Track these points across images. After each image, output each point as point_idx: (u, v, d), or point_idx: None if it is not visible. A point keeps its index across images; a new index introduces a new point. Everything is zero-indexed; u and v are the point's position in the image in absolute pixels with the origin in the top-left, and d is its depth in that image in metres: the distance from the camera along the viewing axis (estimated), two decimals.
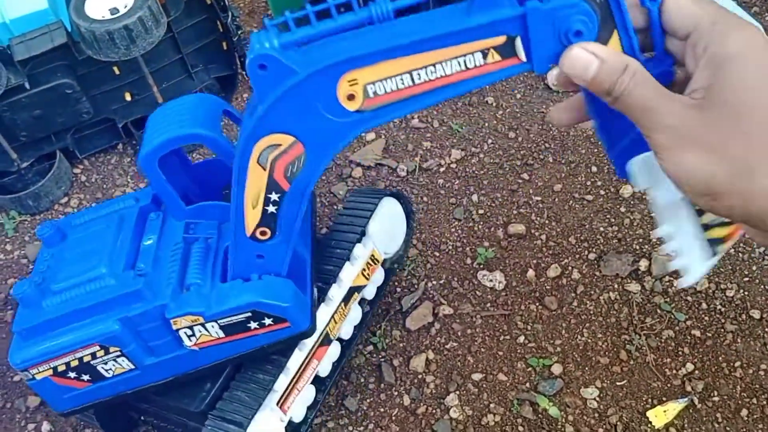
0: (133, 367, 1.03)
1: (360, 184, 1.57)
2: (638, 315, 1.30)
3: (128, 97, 1.60)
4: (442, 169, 1.57)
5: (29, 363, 1.00)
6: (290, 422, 1.14)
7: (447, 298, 1.37)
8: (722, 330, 1.28)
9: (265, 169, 0.81)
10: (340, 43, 0.64)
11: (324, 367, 1.18)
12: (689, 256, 0.68)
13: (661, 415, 1.19)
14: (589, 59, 0.48)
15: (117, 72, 1.53)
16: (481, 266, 1.40)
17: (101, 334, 0.97)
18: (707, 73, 0.44)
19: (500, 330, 1.32)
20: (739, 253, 1.37)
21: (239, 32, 1.64)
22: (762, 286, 1.32)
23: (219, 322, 0.98)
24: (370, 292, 1.28)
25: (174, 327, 0.99)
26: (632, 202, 1.47)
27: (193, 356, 1.04)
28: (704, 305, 1.31)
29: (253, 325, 0.99)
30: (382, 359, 1.31)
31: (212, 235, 1.04)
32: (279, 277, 0.98)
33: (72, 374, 1.02)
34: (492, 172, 1.55)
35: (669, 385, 1.23)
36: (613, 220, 1.44)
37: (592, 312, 1.32)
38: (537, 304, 1.34)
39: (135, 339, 1.00)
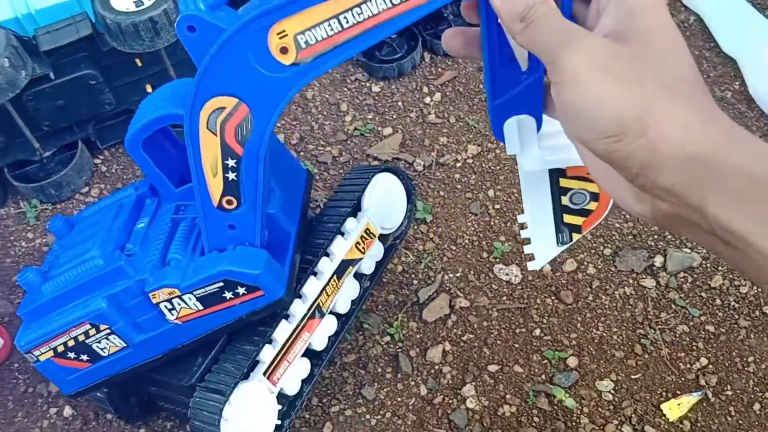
0: (125, 345, 1.06)
1: None
2: (653, 310, 1.32)
3: (149, 89, 1.62)
4: (458, 164, 1.59)
5: (32, 345, 1.04)
6: (284, 395, 1.14)
7: (463, 290, 1.39)
8: (736, 326, 1.30)
9: (216, 134, 0.81)
10: None
11: (319, 341, 1.18)
12: (541, 241, 0.69)
13: (675, 408, 1.21)
14: None
15: (139, 64, 1.55)
16: (497, 260, 1.42)
17: (90, 312, 1.01)
18: (616, 19, 0.43)
19: (516, 323, 1.34)
20: None
21: None
22: None
23: (195, 293, 1.00)
24: (368, 267, 1.27)
25: (154, 301, 1.01)
26: None
27: (178, 331, 1.06)
28: (718, 301, 1.33)
29: (227, 294, 1.01)
30: (399, 350, 1.33)
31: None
32: (252, 246, 0.99)
33: (71, 354, 1.06)
34: (508, 168, 1.57)
35: (683, 378, 1.24)
36: (628, 216, 1.46)
37: (607, 306, 1.34)
38: (553, 297, 1.36)
39: (122, 316, 1.03)
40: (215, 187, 0.89)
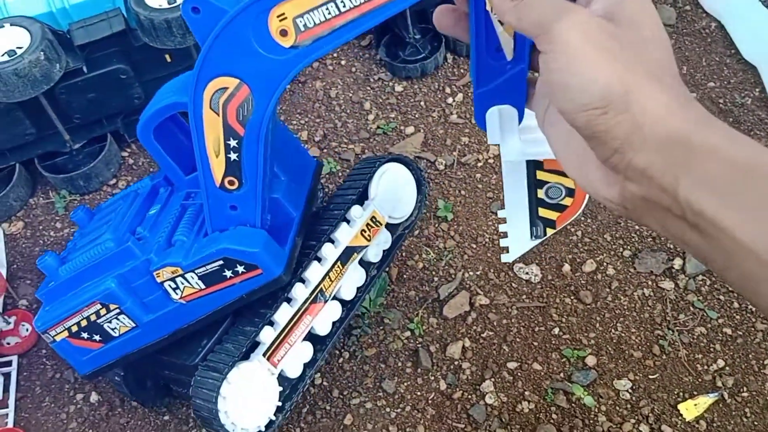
0: (134, 325, 1.10)
1: None
2: (671, 311, 1.34)
3: None
4: (479, 164, 1.61)
5: (48, 325, 1.09)
6: (286, 377, 1.17)
7: (483, 288, 1.41)
8: (753, 329, 1.31)
9: (218, 114, 0.83)
10: None
11: (322, 326, 1.19)
12: (516, 233, 0.70)
13: (691, 408, 1.23)
14: None
15: (169, 60, 1.58)
16: (517, 259, 1.44)
17: (100, 291, 1.05)
18: (606, 4, 0.44)
19: (535, 321, 1.36)
20: None
21: None
22: None
23: (196, 272, 1.03)
24: (374, 255, 1.28)
25: (158, 280, 1.05)
26: None
27: (183, 310, 1.09)
28: (736, 304, 1.34)
29: (228, 273, 1.04)
30: (419, 345, 1.35)
31: None
32: (253, 227, 1.02)
33: (84, 334, 1.10)
34: None
35: (700, 379, 1.26)
36: None
37: (626, 307, 1.35)
38: (572, 297, 1.38)
39: (130, 295, 1.07)
40: (218, 167, 0.92)
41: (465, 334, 1.35)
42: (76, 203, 1.64)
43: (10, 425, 1.31)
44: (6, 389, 1.36)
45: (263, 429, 1.13)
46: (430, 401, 1.28)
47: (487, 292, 1.40)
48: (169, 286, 1.05)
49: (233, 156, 0.90)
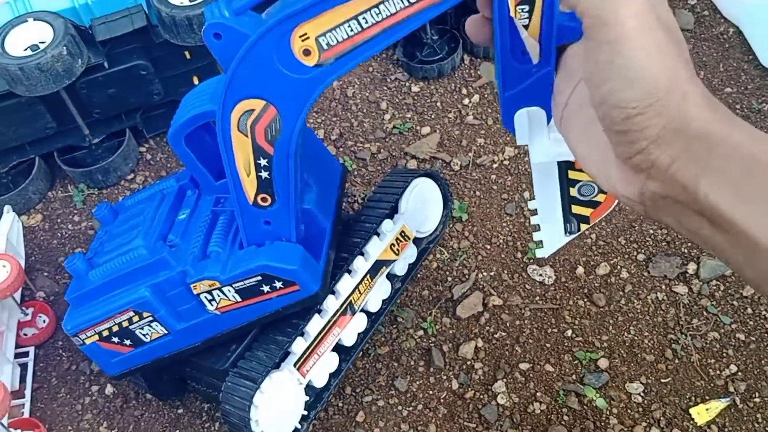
0: (166, 332, 1.10)
1: None
2: (685, 316, 1.34)
3: (196, 81, 1.66)
4: (495, 166, 1.61)
5: (78, 329, 1.09)
6: (312, 387, 1.18)
7: (497, 289, 1.42)
8: (766, 335, 1.31)
9: (247, 136, 0.84)
10: (286, 2, 0.67)
11: (348, 337, 1.21)
12: (549, 229, 0.71)
13: (703, 412, 1.23)
14: None
15: (188, 56, 1.60)
16: (531, 261, 1.45)
17: (134, 300, 1.06)
18: None
19: (548, 323, 1.36)
20: None
21: None
22: None
23: (234, 286, 1.04)
24: (401, 268, 1.31)
25: (195, 292, 1.05)
26: None
27: (217, 320, 1.10)
28: (749, 310, 1.34)
29: (265, 288, 1.05)
30: (432, 344, 1.36)
31: None
32: (288, 242, 1.03)
33: (115, 339, 1.11)
34: None
35: (712, 384, 1.26)
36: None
37: (639, 311, 1.36)
38: (585, 300, 1.38)
39: (164, 305, 1.08)
40: (249, 185, 0.93)
41: (478, 335, 1.36)
42: (95, 197, 1.65)
43: (26, 415, 1.33)
44: (22, 380, 1.38)
45: None
46: (442, 400, 1.29)
47: (500, 292, 1.41)
48: (205, 297, 1.06)
49: (264, 174, 0.90)
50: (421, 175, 1.31)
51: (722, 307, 1.35)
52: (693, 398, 1.25)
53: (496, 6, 0.53)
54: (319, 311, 1.16)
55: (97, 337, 1.10)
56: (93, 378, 1.39)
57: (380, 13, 0.64)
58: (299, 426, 1.17)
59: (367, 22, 0.66)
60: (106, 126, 1.63)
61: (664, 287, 1.38)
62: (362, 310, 1.24)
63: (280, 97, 0.78)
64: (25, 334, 1.42)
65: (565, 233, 0.71)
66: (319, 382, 1.19)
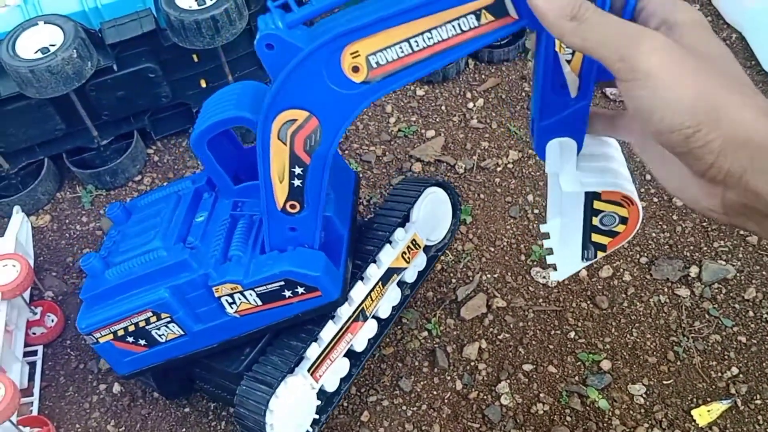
0: (183, 333, 1.11)
1: None
2: (687, 319, 1.35)
3: (203, 84, 1.68)
4: (499, 169, 1.63)
5: (93, 327, 1.10)
6: (323, 391, 1.20)
7: (500, 291, 1.43)
8: (767, 337, 1.32)
9: (285, 144, 0.85)
10: (340, 18, 0.68)
11: (359, 343, 1.23)
12: (566, 255, 0.73)
13: (705, 414, 1.24)
14: None
15: (196, 59, 1.61)
16: (535, 263, 1.46)
17: (153, 300, 1.06)
18: (662, 23, 0.46)
19: (551, 324, 1.37)
20: None
21: None
22: None
23: (256, 290, 1.05)
24: (410, 276, 1.33)
25: (216, 294, 1.07)
26: (685, 211, 1.51)
27: (235, 323, 1.11)
28: (751, 313, 1.35)
29: (287, 293, 1.06)
30: (437, 345, 1.37)
31: (257, 213, 1.12)
32: (311, 249, 1.04)
33: (130, 339, 1.12)
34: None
35: (714, 386, 1.27)
36: (665, 226, 1.49)
37: (641, 313, 1.37)
38: (588, 302, 1.40)
39: (183, 306, 1.08)
40: (280, 192, 0.94)
41: (482, 336, 1.37)
42: (103, 198, 1.67)
43: (35, 413, 1.35)
44: (31, 378, 1.39)
45: None
46: (446, 401, 1.30)
47: (504, 294, 1.42)
48: (226, 300, 1.07)
49: (297, 182, 0.91)
50: (432, 184, 1.33)
51: (724, 310, 1.36)
52: (695, 400, 1.26)
53: (543, 41, 0.55)
54: (333, 317, 1.17)
55: (111, 336, 1.11)
56: (101, 377, 1.40)
57: (432, 38, 0.65)
58: (310, 429, 1.18)
59: (418, 45, 0.67)
60: (114, 128, 1.65)
61: (666, 290, 1.39)
62: (373, 317, 1.26)
63: (324, 110, 0.79)
64: (34, 333, 1.44)
65: (582, 259, 0.72)
66: (331, 386, 1.21)
